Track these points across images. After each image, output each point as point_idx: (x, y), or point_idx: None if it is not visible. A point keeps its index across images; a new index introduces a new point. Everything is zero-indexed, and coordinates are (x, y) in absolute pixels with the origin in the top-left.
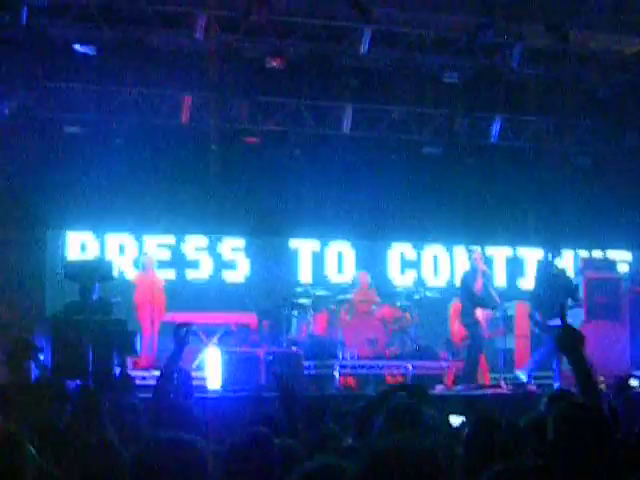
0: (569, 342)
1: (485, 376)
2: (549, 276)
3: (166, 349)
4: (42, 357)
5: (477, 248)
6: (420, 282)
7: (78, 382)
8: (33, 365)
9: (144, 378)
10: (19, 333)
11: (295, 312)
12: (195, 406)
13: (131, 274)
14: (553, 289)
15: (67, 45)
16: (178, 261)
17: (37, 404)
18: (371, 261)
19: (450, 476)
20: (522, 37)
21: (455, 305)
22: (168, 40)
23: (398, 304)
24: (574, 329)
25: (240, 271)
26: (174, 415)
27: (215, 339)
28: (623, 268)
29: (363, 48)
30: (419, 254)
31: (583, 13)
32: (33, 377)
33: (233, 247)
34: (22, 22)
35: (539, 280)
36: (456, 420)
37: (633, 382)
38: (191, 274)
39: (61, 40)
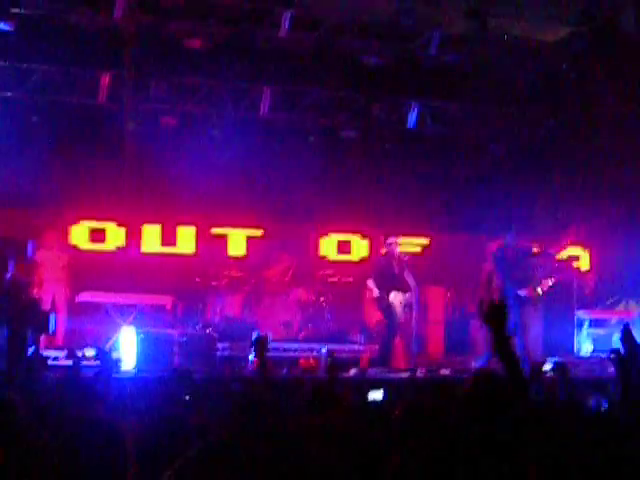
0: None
1: (400, 360)
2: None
3: (78, 329)
4: None
5: (397, 236)
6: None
7: None
8: None
9: (55, 358)
10: None
11: (210, 294)
12: (111, 386)
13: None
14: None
15: None
16: None
17: None
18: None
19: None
20: (441, 23)
21: (371, 289)
22: (87, 19)
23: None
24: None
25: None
26: (92, 394)
27: (130, 319)
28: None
29: (283, 31)
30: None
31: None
32: None
33: None
34: None
35: (511, 258)
36: (376, 395)
37: (547, 366)
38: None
39: None
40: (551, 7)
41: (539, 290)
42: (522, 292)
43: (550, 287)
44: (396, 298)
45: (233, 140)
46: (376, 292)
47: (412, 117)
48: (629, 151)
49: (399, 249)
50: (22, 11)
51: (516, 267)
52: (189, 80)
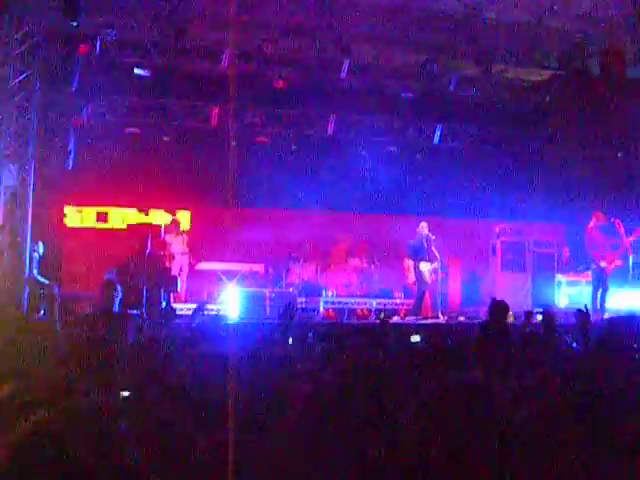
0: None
1: (428, 310)
2: None
3: (197, 288)
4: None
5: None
6: None
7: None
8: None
9: (181, 309)
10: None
11: (292, 262)
12: (221, 329)
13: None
14: None
15: (127, 67)
16: None
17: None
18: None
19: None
20: (458, 68)
21: (407, 260)
22: (202, 67)
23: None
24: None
25: None
26: (208, 336)
27: (234, 281)
28: (530, 234)
29: (343, 74)
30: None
31: (502, 52)
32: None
33: None
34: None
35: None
36: (415, 338)
37: (538, 317)
38: None
39: (122, 63)
40: (537, 56)
41: (612, 265)
42: (602, 264)
43: (618, 266)
44: (425, 266)
45: (308, 153)
46: (411, 262)
47: (437, 136)
48: (591, 156)
49: (427, 230)
50: (156, 62)
51: (599, 246)
52: (275, 110)
